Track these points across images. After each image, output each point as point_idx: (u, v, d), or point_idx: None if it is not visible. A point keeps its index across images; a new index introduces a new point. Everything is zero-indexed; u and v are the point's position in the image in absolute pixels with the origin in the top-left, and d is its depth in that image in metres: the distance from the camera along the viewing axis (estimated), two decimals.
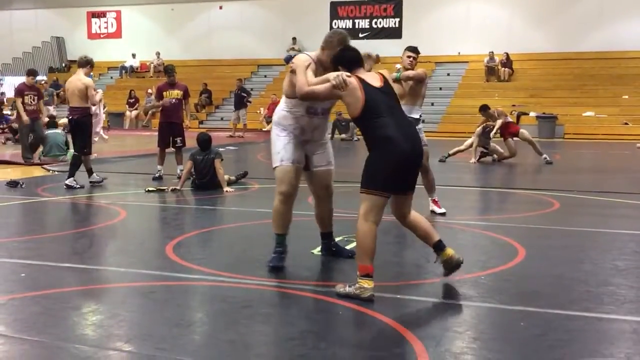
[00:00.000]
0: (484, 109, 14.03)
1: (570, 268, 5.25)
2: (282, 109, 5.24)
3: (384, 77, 4.63)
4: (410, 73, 7.26)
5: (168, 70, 11.00)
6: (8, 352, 3.54)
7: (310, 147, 5.24)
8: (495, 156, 13.89)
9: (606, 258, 5.59)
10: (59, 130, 14.09)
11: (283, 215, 5.18)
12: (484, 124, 13.92)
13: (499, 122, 13.78)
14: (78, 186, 9.66)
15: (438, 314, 4.17)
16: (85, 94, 9.67)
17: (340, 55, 4.71)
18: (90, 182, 9.95)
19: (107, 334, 3.80)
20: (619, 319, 4.04)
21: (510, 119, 14.40)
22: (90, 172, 9.99)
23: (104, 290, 4.79)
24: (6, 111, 25.74)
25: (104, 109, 11.72)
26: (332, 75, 4.54)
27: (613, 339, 3.75)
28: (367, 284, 4.28)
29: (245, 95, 22.31)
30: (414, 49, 7.43)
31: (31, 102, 13.04)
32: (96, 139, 12.52)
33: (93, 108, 10.46)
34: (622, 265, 5.31)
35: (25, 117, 12.80)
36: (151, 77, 29.43)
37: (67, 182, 9.72)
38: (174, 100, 10.57)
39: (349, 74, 4.53)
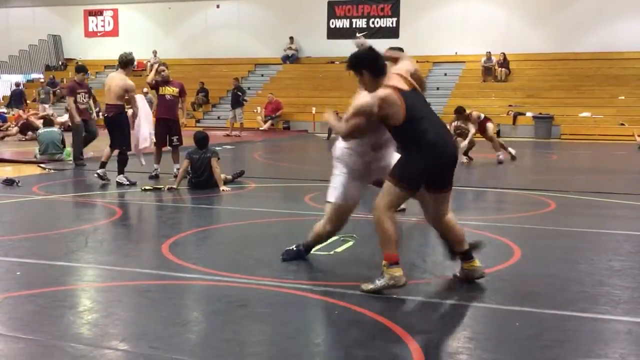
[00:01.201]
0: (459, 111, 13.77)
1: (566, 268, 5.26)
2: (345, 146, 5.13)
3: (405, 78, 4.57)
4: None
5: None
6: (3, 351, 3.53)
7: (377, 169, 5.19)
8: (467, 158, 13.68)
9: (602, 258, 5.60)
10: (55, 129, 14.06)
11: (324, 239, 5.42)
12: (457, 127, 13.57)
13: (472, 130, 13.50)
14: (128, 183, 9.69)
15: (434, 313, 4.17)
16: (120, 93, 9.76)
17: (370, 59, 4.60)
18: (96, 174, 9.95)
19: (102, 332, 3.79)
20: (614, 320, 4.05)
21: (483, 117, 14.17)
22: (103, 165, 10.00)
23: (99, 289, 4.78)
24: (1, 109, 25.67)
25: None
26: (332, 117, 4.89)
27: (608, 339, 3.76)
28: (398, 271, 4.34)
29: (241, 94, 22.30)
30: (397, 50, 7.43)
31: (83, 101, 12.31)
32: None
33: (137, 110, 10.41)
34: (618, 266, 5.32)
35: (77, 119, 12.00)
36: (147, 75, 29.37)
37: (117, 179, 9.84)
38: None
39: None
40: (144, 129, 10.64)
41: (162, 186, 9.51)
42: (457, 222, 4.79)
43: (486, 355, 3.49)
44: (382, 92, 4.42)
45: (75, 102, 12.09)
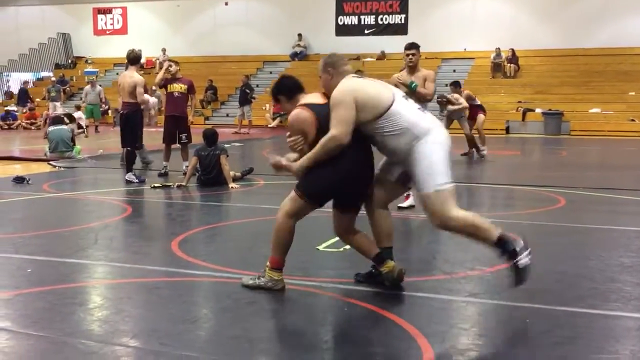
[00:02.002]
0: (456, 84, 13.70)
1: (576, 265, 5.23)
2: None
3: (326, 95, 4.38)
4: (423, 91, 7.28)
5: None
6: (14, 348, 3.55)
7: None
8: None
9: (612, 255, 5.58)
10: (64, 127, 14.10)
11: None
12: (441, 95, 13.39)
13: (464, 103, 13.20)
14: (137, 181, 9.74)
15: (443, 310, 4.16)
16: (133, 91, 9.80)
17: (279, 85, 4.57)
18: (143, 161, 9.96)
19: (112, 329, 3.81)
20: (625, 316, 4.03)
21: (478, 102, 14.02)
22: (145, 162, 10.02)
23: (109, 286, 4.80)
24: (11, 107, 25.79)
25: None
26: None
27: (619, 336, 3.74)
28: (278, 276, 4.41)
29: (249, 91, 22.31)
30: (410, 46, 7.45)
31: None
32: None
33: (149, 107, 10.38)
34: (629, 262, 5.29)
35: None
36: (157, 73, 29.41)
37: (126, 177, 9.90)
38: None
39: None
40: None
41: (171, 183, 9.53)
42: (363, 234, 4.53)
43: (496, 351, 3.49)
44: (294, 114, 4.38)
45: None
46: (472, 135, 13.39)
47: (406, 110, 4.26)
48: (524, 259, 4.13)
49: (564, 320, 3.93)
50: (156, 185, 9.44)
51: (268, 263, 4.43)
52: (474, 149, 13.41)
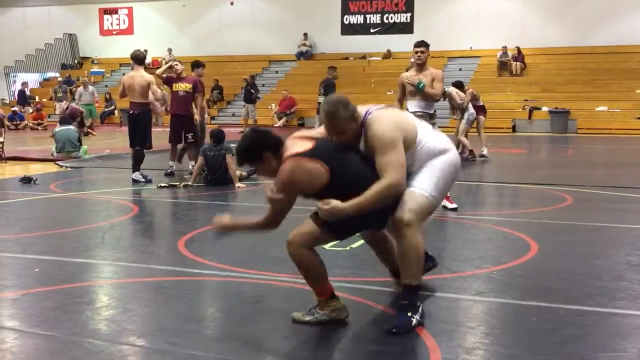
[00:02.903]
0: (458, 85, 13.47)
1: (583, 263, 5.22)
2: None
3: (310, 138, 3.84)
4: (431, 92, 7.27)
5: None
6: (22, 347, 3.57)
7: None
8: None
9: (619, 253, 5.56)
10: (71, 127, 14.15)
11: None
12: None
13: (467, 97, 12.96)
14: (144, 180, 9.77)
15: (450, 309, 4.16)
16: (147, 90, 9.84)
17: (260, 142, 3.79)
18: (133, 179, 9.91)
19: (119, 328, 3.82)
20: (632, 314, 4.02)
21: (481, 103, 13.56)
22: (137, 168, 10.01)
23: (116, 285, 4.81)
24: (15, 107, 25.88)
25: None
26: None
27: (626, 334, 3.73)
28: (337, 303, 3.87)
29: (254, 91, 22.32)
30: (419, 43, 7.42)
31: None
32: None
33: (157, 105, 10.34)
34: (636, 261, 5.27)
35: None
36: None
37: (133, 176, 9.93)
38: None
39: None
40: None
41: (177, 183, 9.55)
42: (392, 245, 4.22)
43: (503, 350, 3.48)
44: (288, 167, 3.65)
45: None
46: (459, 139, 13.15)
47: (426, 136, 3.91)
48: (416, 318, 3.75)
49: (571, 319, 3.92)
50: (163, 184, 9.46)
51: (317, 297, 3.86)
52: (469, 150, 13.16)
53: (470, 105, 13.00)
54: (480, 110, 13.49)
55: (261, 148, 3.73)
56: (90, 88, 23.20)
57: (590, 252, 5.59)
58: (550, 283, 4.66)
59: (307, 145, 3.71)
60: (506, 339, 3.66)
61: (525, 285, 4.65)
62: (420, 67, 7.37)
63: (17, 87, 30.75)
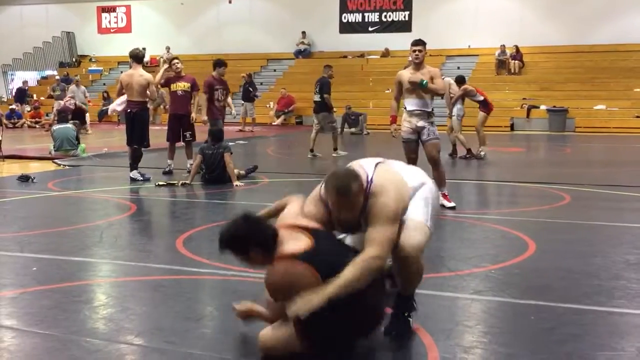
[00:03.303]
0: (460, 80, 13.20)
1: (581, 262, 5.22)
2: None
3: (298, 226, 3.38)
4: (434, 87, 7.27)
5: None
6: (19, 346, 3.56)
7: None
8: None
9: (617, 252, 5.56)
10: (69, 125, 14.13)
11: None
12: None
13: (459, 93, 12.83)
14: (142, 179, 9.77)
15: (448, 307, 4.15)
16: (146, 89, 9.83)
17: (248, 236, 3.27)
18: (131, 178, 9.91)
19: (117, 327, 3.81)
20: (630, 313, 4.02)
21: (480, 98, 13.11)
22: (134, 167, 10.01)
23: (114, 284, 4.81)
24: (13, 106, 25.85)
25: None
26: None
27: (624, 332, 3.73)
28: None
29: (252, 89, 22.31)
30: (417, 42, 7.41)
31: (220, 98, 11.15)
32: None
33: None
34: (634, 259, 5.28)
35: (204, 118, 10.87)
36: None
37: (131, 175, 9.93)
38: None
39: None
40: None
41: (175, 182, 9.54)
42: None
43: (501, 349, 3.48)
44: (279, 271, 3.20)
45: (212, 99, 10.98)
46: (455, 137, 13.07)
47: (411, 181, 3.65)
48: (412, 317, 3.67)
49: (569, 318, 3.92)
50: (161, 183, 9.46)
51: None
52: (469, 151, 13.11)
53: (460, 101, 12.95)
54: (481, 105, 13.30)
55: (250, 242, 3.23)
56: (82, 88, 23.23)
57: (588, 251, 5.59)
58: (549, 282, 4.66)
59: (305, 242, 3.23)
60: (504, 337, 3.66)
61: (524, 284, 4.65)
62: (418, 65, 7.37)
63: (15, 85, 30.72)
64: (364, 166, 3.54)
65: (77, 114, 19.70)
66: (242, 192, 9.01)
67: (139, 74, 9.88)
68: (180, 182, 9.49)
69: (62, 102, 22.41)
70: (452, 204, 7.43)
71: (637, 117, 21.68)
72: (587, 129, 21.36)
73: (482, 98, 13.15)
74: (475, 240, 6.31)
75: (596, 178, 10.07)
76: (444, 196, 7.48)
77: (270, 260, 3.22)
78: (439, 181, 7.47)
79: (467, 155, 12.93)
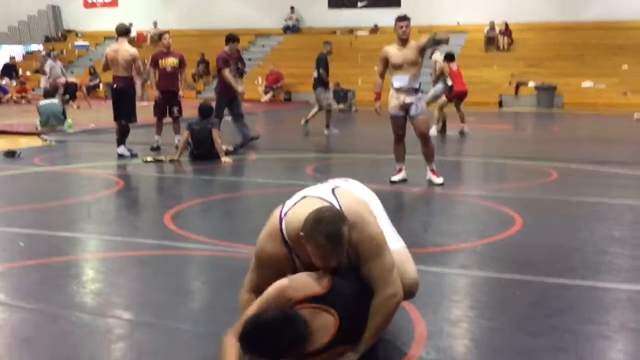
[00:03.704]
0: (450, 57, 12.99)
1: (567, 237, 5.27)
2: None
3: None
4: (443, 34, 7.31)
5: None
6: (7, 320, 3.56)
7: None
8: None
9: (603, 228, 5.61)
10: (55, 101, 14.02)
11: None
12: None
13: (445, 69, 12.80)
14: (129, 154, 9.72)
15: (435, 282, 4.18)
16: (131, 64, 9.72)
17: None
18: (119, 155, 9.86)
19: (105, 302, 3.82)
20: (615, 288, 4.06)
21: (449, 84, 12.85)
22: (121, 142, 9.94)
23: (102, 259, 4.81)
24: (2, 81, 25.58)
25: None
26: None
27: (608, 307, 3.78)
28: None
29: (241, 65, 22.16)
30: (403, 17, 7.35)
31: (233, 73, 11.08)
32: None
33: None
34: (619, 235, 5.33)
35: (240, 88, 10.86)
36: (148, 46, 29.20)
37: (118, 151, 9.87)
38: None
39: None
40: None
41: (163, 157, 9.50)
42: None
43: (487, 323, 3.51)
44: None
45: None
46: (442, 114, 13.12)
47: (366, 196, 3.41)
48: None
49: (554, 292, 3.96)
50: (148, 159, 9.42)
51: None
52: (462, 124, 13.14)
53: (440, 80, 12.96)
54: (447, 90, 13.06)
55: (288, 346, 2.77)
56: (59, 63, 23.03)
57: (574, 227, 5.63)
58: (534, 257, 4.70)
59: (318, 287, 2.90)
60: (490, 311, 3.69)
61: (510, 259, 4.68)
62: (404, 42, 7.28)
63: (0, 60, 30.37)
64: (323, 196, 3.13)
65: (68, 89, 19.62)
66: (230, 168, 8.99)
67: (124, 49, 9.77)
68: (168, 158, 9.45)
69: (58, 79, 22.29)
70: (440, 180, 7.45)
71: (625, 94, 21.76)
72: (576, 106, 21.40)
73: (450, 83, 13.00)
74: (462, 216, 6.34)
75: (583, 155, 10.12)
76: (433, 172, 7.51)
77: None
78: (428, 157, 7.50)
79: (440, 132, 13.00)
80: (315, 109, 13.83)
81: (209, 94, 25.30)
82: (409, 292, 3.22)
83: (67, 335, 3.32)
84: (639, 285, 4.13)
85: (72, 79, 21.03)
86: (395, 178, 7.58)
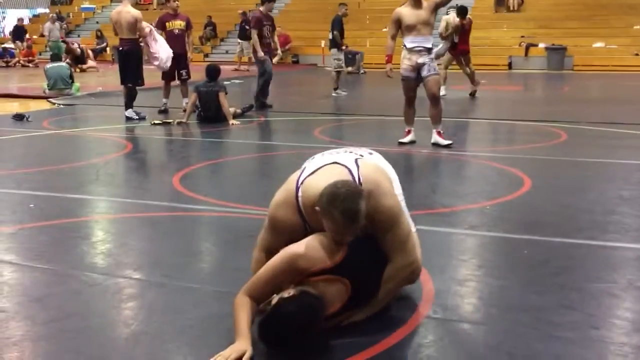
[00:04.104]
0: (462, 12, 13.03)
1: (576, 198, 5.25)
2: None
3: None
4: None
5: None
6: (19, 280, 3.60)
7: None
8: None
9: (612, 188, 5.60)
10: (63, 64, 13.99)
11: None
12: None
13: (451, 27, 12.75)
14: (137, 117, 9.72)
15: (443, 242, 4.19)
16: (135, 26, 9.62)
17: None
18: (127, 117, 9.90)
19: (115, 262, 3.85)
20: (623, 247, 4.06)
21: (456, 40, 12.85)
22: (129, 105, 9.95)
23: (112, 220, 4.84)
24: (8, 44, 25.52)
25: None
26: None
27: (616, 265, 3.78)
28: None
29: (248, 27, 21.97)
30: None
31: (267, 35, 10.88)
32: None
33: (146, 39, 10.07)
34: (628, 195, 5.31)
35: (260, 53, 10.70)
36: (154, 9, 28.98)
37: (126, 114, 9.88)
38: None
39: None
40: (163, 52, 10.24)
41: (171, 120, 9.50)
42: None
43: (494, 282, 3.53)
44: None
45: (260, 36, 10.75)
46: (472, 70, 13.04)
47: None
48: None
49: (562, 251, 3.97)
50: (157, 122, 9.42)
51: None
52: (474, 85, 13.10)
53: (448, 40, 12.82)
54: (450, 47, 12.97)
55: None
56: (58, 24, 22.88)
57: (583, 187, 5.62)
58: (543, 217, 4.70)
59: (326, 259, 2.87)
60: (498, 271, 3.71)
61: (518, 219, 4.68)
62: (417, 2, 7.15)
63: (7, 23, 30.26)
64: (345, 163, 3.10)
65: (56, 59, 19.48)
66: (237, 131, 8.98)
67: (126, 11, 9.67)
68: (176, 120, 9.45)
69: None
70: (447, 142, 7.41)
71: (636, 54, 21.49)
72: (586, 67, 21.18)
73: (456, 40, 12.84)
74: (471, 177, 6.34)
75: (593, 116, 10.04)
76: (439, 134, 7.47)
77: None
78: (437, 119, 7.46)
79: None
80: (333, 73, 13.89)
81: (217, 57, 25.21)
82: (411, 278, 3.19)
83: (79, 294, 3.36)
84: None
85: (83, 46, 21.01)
86: (404, 140, 7.56)
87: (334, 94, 13.36)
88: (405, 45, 7.30)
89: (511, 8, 25.23)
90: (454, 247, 4.17)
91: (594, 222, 4.56)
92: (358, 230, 2.90)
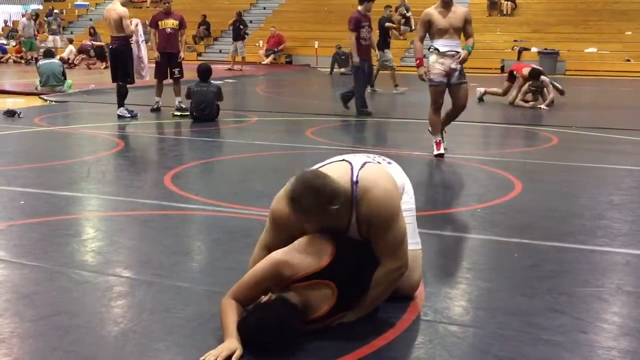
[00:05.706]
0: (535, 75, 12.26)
1: (566, 202, 5.28)
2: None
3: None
4: (472, 43, 7.08)
5: None
6: (8, 277, 3.58)
7: None
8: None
9: (602, 193, 5.62)
10: (55, 60, 13.93)
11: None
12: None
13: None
14: (129, 115, 9.70)
15: (433, 244, 4.20)
16: (120, 24, 9.58)
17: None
18: (118, 115, 9.87)
19: (106, 260, 3.84)
20: (612, 252, 4.08)
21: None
22: (121, 103, 9.93)
23: (102, 218, 4.82)
24: (1, 40, 25.41)
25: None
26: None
27: (605, 270, 3.80)
28: None
29: (243, 27, 21.97)
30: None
31: (366, 37, 10.26)
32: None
33: (133, 39, 10.04)
34: (618, 200, 5.34)
35: (356, 58, 10.11)
36: (148, 7, 28.93)
37: (118, 112, 9.84)
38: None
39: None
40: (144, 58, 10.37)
41: (189, 113, 9.64)
42: None
43: (484, 285, 3.54)
44: None
45: (358, 38, 10.09)
46: None
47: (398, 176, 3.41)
48: None
49: (551, 255, 3.99)
50: (176, 114, 9.81)
51: None
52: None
53: None
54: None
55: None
56: (32, 22, 22.89)
57: (573, 192, 5.64)
58: (533, 221, 4.72)
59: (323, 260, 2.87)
60: (488, 274, 3.72)
61: (508, 222, 4.70)
62: (447, 5, 6.84)
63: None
64: (352, 161, 3.08)
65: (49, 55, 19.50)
66: (230, 130, 8.99)
67: (113, 9, 9.65)
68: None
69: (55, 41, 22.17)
70: (440, 151, 7.27)
71: (628, 60, 21.59)
72: (578, 72, 21.25)
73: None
74: (462, 180, 6.36)
75: (584, 120, 10.09)
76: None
77: None
78: (444, 125, 7.26)
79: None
80: (389, 70, 14.33)
81: (210, 56, 25.18)
82: (410, 291, 3.24)
83: (68, 292, 3.35)
84: (637, 249, 4.14)
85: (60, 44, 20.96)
86: (440, 151, 7.09)
87: (394, 91, 13.98)
88: (436, 49, 6.91)
89: (504, 12, 25.30)
90: (444, 250, 4.18)
91: (584, 227, 4.58)
92: (316, 223, 2.92)
